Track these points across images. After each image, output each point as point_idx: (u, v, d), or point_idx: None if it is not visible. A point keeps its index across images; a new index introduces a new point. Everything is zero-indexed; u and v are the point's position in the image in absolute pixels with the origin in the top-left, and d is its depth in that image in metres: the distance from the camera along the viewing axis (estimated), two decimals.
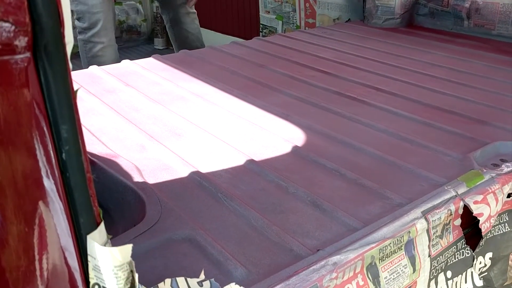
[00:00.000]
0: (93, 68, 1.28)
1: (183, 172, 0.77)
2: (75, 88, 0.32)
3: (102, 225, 0.36)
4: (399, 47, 1.49)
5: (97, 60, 1.78)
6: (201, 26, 2.51)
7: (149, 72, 1.26)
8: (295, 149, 0.85)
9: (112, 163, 0.79)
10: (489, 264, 0.76)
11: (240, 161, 0.81)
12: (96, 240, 0.35)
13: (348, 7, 1.98)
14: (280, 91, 1.13)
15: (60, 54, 0.30)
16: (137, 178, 0.74)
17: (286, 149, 0.85)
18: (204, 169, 0.78)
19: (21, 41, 0.28)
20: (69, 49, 0.32)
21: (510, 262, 0.80)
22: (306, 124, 0.95)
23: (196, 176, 0.75)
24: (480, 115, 0.98)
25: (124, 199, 0.74)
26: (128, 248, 0.35)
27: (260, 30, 2.43)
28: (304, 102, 1.07)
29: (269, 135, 0.90)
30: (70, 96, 0.31)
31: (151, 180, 0.75)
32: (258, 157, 0.82)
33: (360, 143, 0.87)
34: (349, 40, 1.57)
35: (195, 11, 2.05)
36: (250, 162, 0.80)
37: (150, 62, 1.36)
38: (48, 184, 0.34)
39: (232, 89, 1.13)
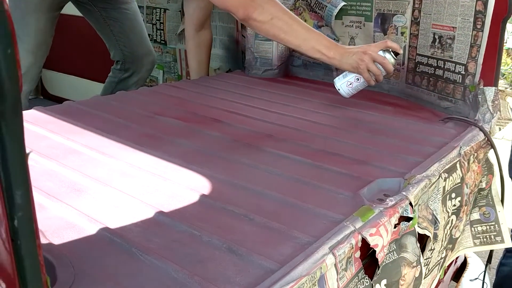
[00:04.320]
0: None
1: (91, 230, 0.74)
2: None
3: None
4: (280, 95, 1.60)
5: None
6: (78, 76, 2.41)
7: (32, 125, 1.19)
8: (202, 197, 0.87)
9: None
10: None
11: (148, 213, 0.80)
12: None
13: (228, 58, 2.09)
14: (176, 141, 1.15)
15: (18, 119, 0.29)
16: (40, 240, 0.69)
17: (193, 198, 0.86)
18: (112, 225, 0.75)
19: None
20: None
21: (400, 286, 0.89)
22: (208, 173, 0.97)
23: (105, 233, 0.73)
24: (361, 156, 1.10)
25: None
26: None
27: None
28: (202, 151, 1.10)
29: (173, 185, 0.91)
30: (24, 160, 0.30)
31: (56, 241, 0.70)
32: (167, 208, 0.82)
33: (262, 187, 0.92)
34: (233, 89, 1.65)
35: None
36: (160, 213, 0.80)
37: (31, 114, 1.28)
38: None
39: (127, 141, 1.11)
